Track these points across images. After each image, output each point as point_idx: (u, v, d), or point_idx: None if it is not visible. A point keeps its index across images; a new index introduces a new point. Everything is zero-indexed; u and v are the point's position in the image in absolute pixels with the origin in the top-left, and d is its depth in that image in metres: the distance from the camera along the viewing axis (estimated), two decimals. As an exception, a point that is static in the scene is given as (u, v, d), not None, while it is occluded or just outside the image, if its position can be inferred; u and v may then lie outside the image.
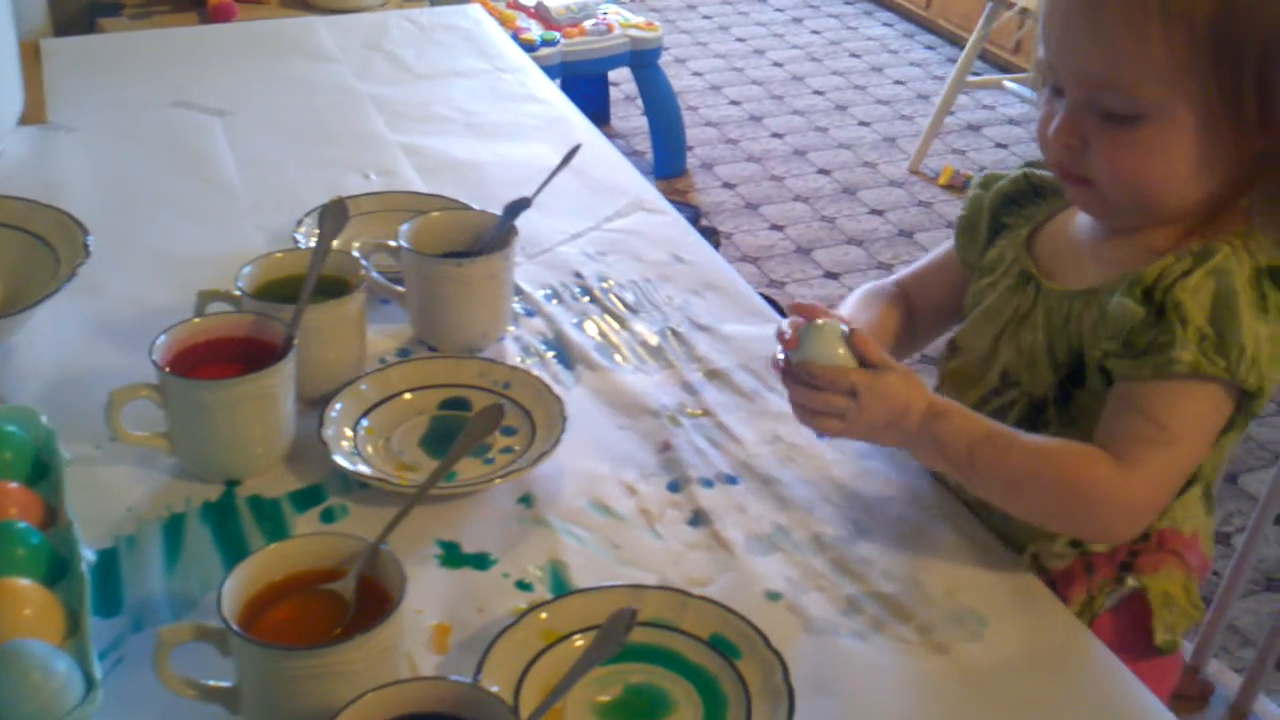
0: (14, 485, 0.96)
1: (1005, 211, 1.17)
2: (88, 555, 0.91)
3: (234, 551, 1.01)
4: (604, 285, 1.39)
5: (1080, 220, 1.10)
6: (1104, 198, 1.02)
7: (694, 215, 3.38)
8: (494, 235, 1.26)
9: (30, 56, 1.84)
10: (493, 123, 1.76)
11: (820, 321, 1.01)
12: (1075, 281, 1.07)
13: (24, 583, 0.86)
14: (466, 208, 1.40)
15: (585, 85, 3.76)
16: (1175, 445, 0.97)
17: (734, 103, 4.31)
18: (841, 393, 0.99)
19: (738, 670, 0.89)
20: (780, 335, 1.04)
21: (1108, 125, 0.98)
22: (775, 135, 4.07)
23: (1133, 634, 1.07)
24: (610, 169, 1.64)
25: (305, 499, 1.07)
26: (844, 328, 1.01)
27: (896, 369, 1.00)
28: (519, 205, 1.28)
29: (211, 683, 0.84)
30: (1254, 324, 0.95)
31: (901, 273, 1.28)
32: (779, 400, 1.21)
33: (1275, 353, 0.96)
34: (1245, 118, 0.96)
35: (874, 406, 0.99)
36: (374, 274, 1.25)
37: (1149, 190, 1.00)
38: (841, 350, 1.00)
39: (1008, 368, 1.09)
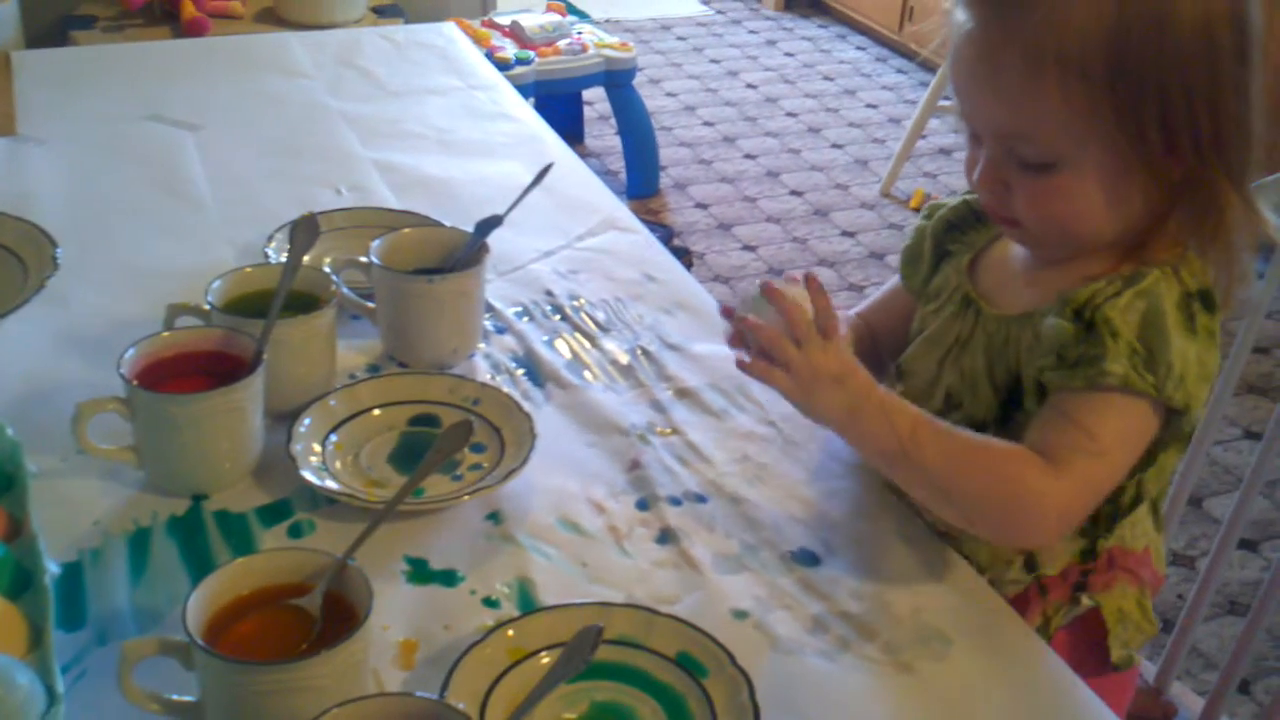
0: (-22, 498, 0.96)
1: (948, 238, 1.18)
2: (51, 568, 0.90)
3: (200, 566, 1.00)
4: (575, 303, 1.39)
5: (1017, 247, 1.12)
6: (1033, 235, 1.05)
7: (667, 235, 3.39)
8: (465, 253, 1.27)
9: (1, 68, 1.83)
10: (465, 140, 1.77)
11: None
12: (1013, 306, 1.08)
13: (-13, 596, 0.86)
14: (438, 224, 1.40)
15: (559, 104, 3.77)
16: (1103, 457, 0.99)
17: (707, 124, 4.32)
18: (809, 326, 1.00)
19: (704, 689, 0.89)
20: (727, 310, 1.06)
21: (1025, 172, 1.01)
22: (748, 156, 4.09)
23: (1088, 651, 1.09)
24: (582, 188, 1.65)
25: (272, 514, 1.06)
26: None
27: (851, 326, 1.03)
28: (490, 223, 1.28)
29: (175, 697, 0.84)
30: (1182, 343, 0.97)
31: (860, 305, 1.30)
32: (748, 420, 1.21)
33: (1202, 372, 0.98)
34: (1154, 154, 0.98)
35: (831, 351, 0.99)
36: (344, 290, 1.25)
37: (1072, 228, 1.02)
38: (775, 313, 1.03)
39: (950, 390, 1.11)
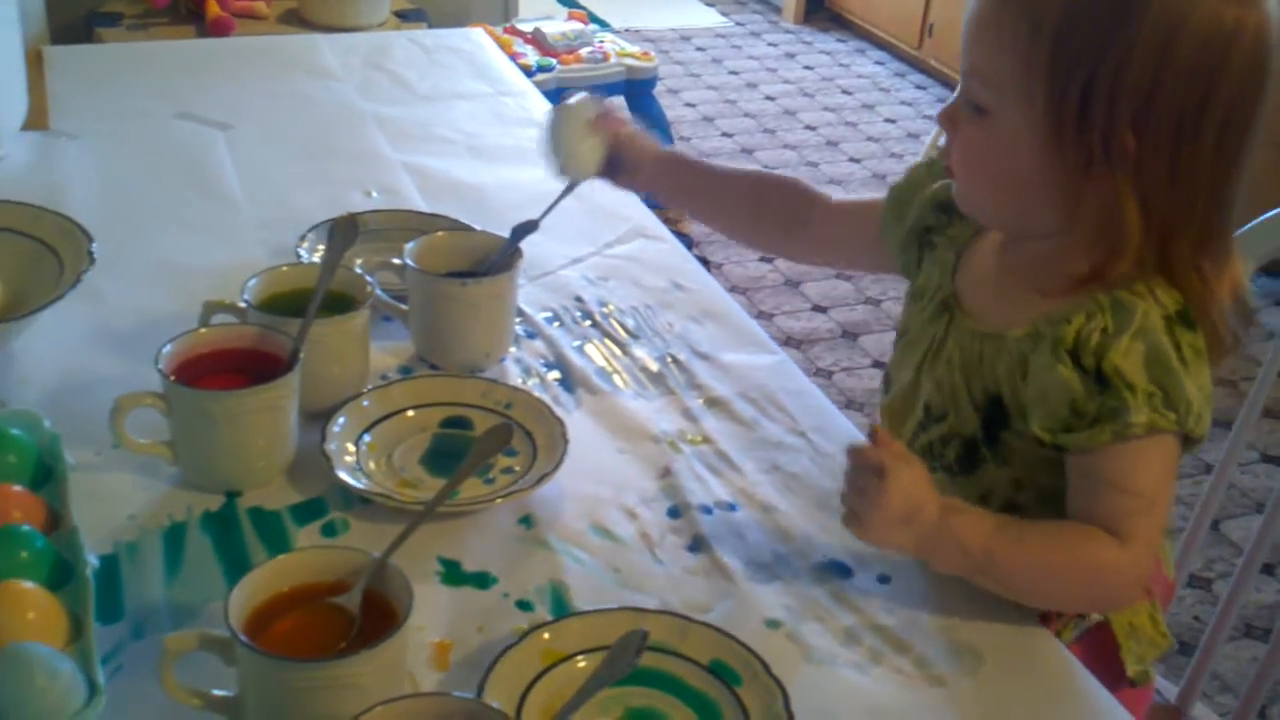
0: (17, 489, 0.96)
1: (934, 219, 1.17)
2: (91, 560, 0.91)
3: (234, 562, 1.01)
4: (604, 310, 1.40)
5: (991, 248, 1.12)
6: (960, 191, 1.07)
7: (686, 244, 3.38)
8: (500, 256, 1.27)
9: (31, 63, 1.84)
10: (494, 145, 1.77)
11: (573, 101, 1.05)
12: (985, 316, 1.09)
13: (28, 586, 0.86)
14: (470, 229, 1.40)
15: (579, 112, 3.77)
16: (1155, 507, 1.00)
17: (726, 134, 4.33)
18: (871, 469, 0.97)
19: (738, 697, 0.89)
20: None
21: (968, 114, 1.03)
22: (766, 168, 4.09)
23: (1101, 666, 1.08)
24: (611, 195, 1.63)
25: (306, 512, 1.07)
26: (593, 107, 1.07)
27: (922, 464, 0.99)
28: (526, 228, 1.29)
29: (215, 692, 0.84)
30: (1186, 376, 0.97)
31: (835, 195, 1.31)
32: (778, 430, 1.22)
33: (1205, 395, 0.99)
34: (1066, 135, 0.97)
35: (895, 491, 0.96)
36: (378, 291, 1.25)
37: (979, 187, 1.05)
38: (586, 124, 1.10)
39: (929, 401, 1.11)
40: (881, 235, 1.22)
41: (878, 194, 1.25)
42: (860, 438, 1.21)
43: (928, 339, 1.12)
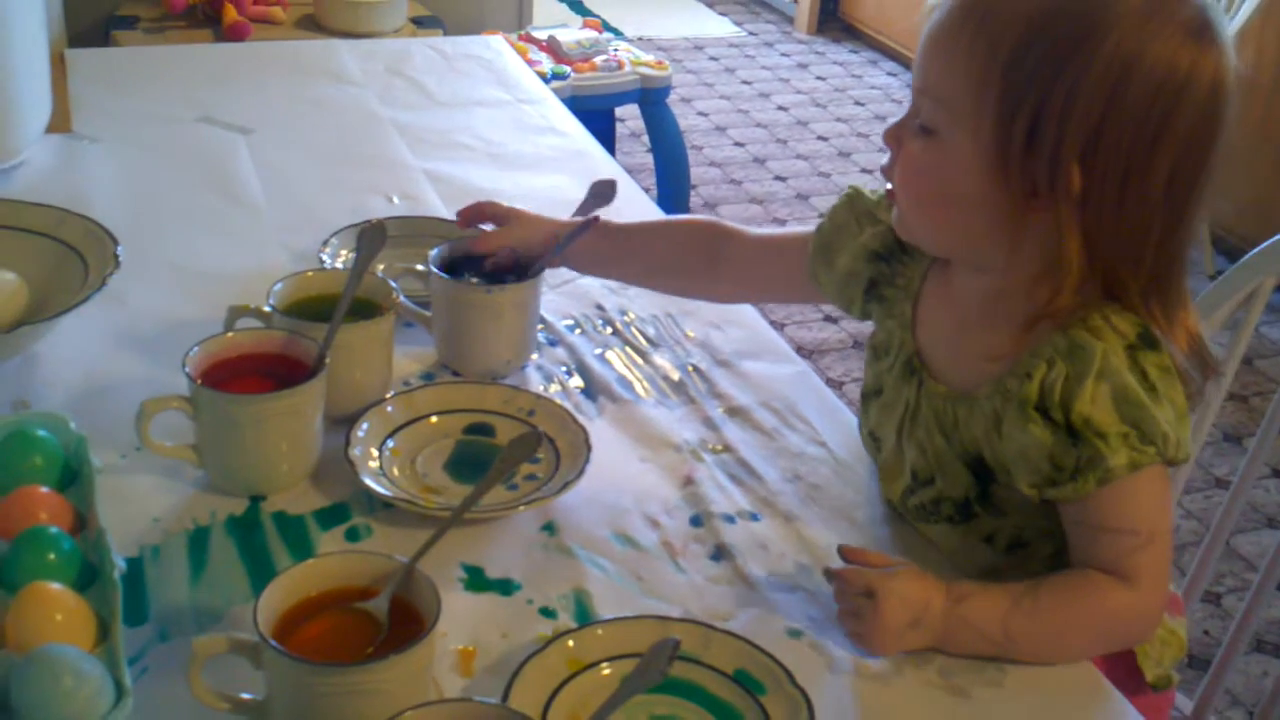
0: (44, 490, 0.97)
1: (875, 271, 1.15)
2: (119, 562, 0.91)
3: (258, 566, 1.01)
4: (625, 318, 1.40)
5: (943, 295, 1.10)
6: (899, 212, 1.05)
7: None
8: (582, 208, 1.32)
9: (53, 66, 1.84)
10: (514, 153, 1.78)
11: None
12: (951, 373, 1.07)
13: (56, 587, 0.87)
14: (491, 235, 1.40)
15: (592, 120, 3.76)
16: (1156, 538, 0.99)
17: (738, 144, 4.34)
18: (858, 592, 0.98)
19: (762, 706, 0.89)
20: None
21: (914, 135, 1.01)
22: (778, 178, 4.10)
23: (1121, 673, 1.08)
24: (631, 204, 1.65)
25: (330, 517, 1.07)
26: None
27: (908, 565, 0.99)
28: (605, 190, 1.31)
29: (242, 696, 0.84)
30: (1157, 408, 0.96)
31: (752, 229, 1.29)
32: (799, 440, 1.22)
33: (1180, 415, 0.98)
34: (1011, 169, 0.96)
35: (891, 606, 0.96)
36: (401, 298, 1.25)
37: (920, 209, 1.03)
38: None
39: (915, 467, 1.09)
40: (811, 278, 1.21)
41: (802, 227, 1.24)
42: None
43: (901, 402, 1.10)
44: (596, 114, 3.77)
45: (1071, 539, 1.02)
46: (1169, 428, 0.96)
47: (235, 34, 3.01)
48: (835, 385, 2.98)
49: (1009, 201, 0.97)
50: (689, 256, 1.30)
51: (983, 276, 1.05)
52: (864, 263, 1.15)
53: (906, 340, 1.11)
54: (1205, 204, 0.99)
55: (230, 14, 3.04)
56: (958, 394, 1.05)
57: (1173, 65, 0.93)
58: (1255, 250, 1.37)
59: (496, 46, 2.17)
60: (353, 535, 1.05)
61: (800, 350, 3.11)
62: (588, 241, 1.29)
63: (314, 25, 3.16)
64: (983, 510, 1.05)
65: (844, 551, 1.02)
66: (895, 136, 1.03)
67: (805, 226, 1.23)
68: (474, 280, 1.26)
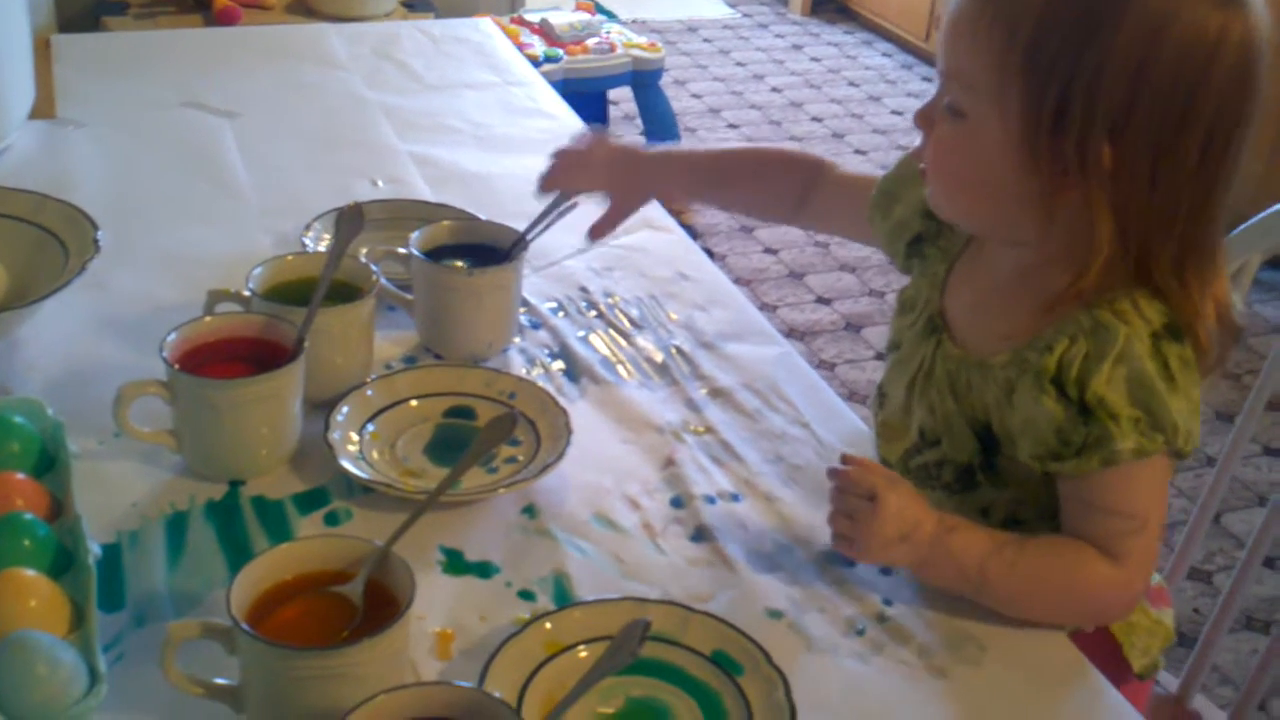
0: (20, 476, 0.96)
1: (924, 226, 1.15)
2: (94, 549, 0.91)
3: (237, 551, 1.01)
4: (609, 300, 1.40)
5: (977, 264, 1.10)
6: (933, 193, 1.06)
7: (689, 236, 3.39)
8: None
9: (38, 51, 1.84)
10: (501, 136, 1.77)
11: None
12: (970, 339, 1.07)
13: (30, 574, 0.86)
14: (475, 218, 1.40)
15: (585, 103, 3.77)
16: (1148, 526, 0.99)
17: (732, 126, 4.33)
18: (861, 494, 0.98)
19: (740, 687, 0.89)
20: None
21: (945, 116, 1.00)
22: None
23: (1102, 660, 1.08)
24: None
25: (309, 501, 1.07)
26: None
27: (903, 482, 1.00)
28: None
29: (217, 680, 0.84)
30: (1172, 396, 0.96)
31: (843, 166, 1.31)
32: (781, 421, 1.22)
33: (1193, 409, 0.97)
34: (1041, 150, 0.95)
35: (888, 515, 0.97)
36: (383, 281, 1.25)
37: (952, 190, 1.03)
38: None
39: (923, 426, 1.09)
40: (869, 222, 1.22)
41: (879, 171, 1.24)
42: (861, 426, 1.22)
43: (916, 360, 1.10)
44: (589, 96, 3.77)
45: (1065, 512, 1.02)
46: (1180, 419, 0.96)
47: (225, 19, 2.99)
48: (827, 366, 2.98)
49: (1040, 182, 0.96)
50: (784, 197, 1.32)
51: (1015, 251, 1.05)
52: (917, 216, 1.16)
53: (933, 299, 1.11)
54: (1237, 172, 0.98)
55: (220, -1, 3.03)
56: (973, 359, 1.05)
57: (1200, 31, 0.92)
58: (1241, 227, 1.36)
59: (485, 29, 2.16)
60: (332, 519, 1.05)
61: (792, 332, 3.11)
62: (693, 178, 1.35)
63: (305, 10, 3.15)
64: (985, 479, 1.06)
65: (847, 458, 1.01)
66: (926, 118, 1.02)
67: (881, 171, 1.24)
68: (456, 263, 1.25)
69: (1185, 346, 0.97)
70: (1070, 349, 0.97)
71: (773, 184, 1.33)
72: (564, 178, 1.33)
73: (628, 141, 1.37)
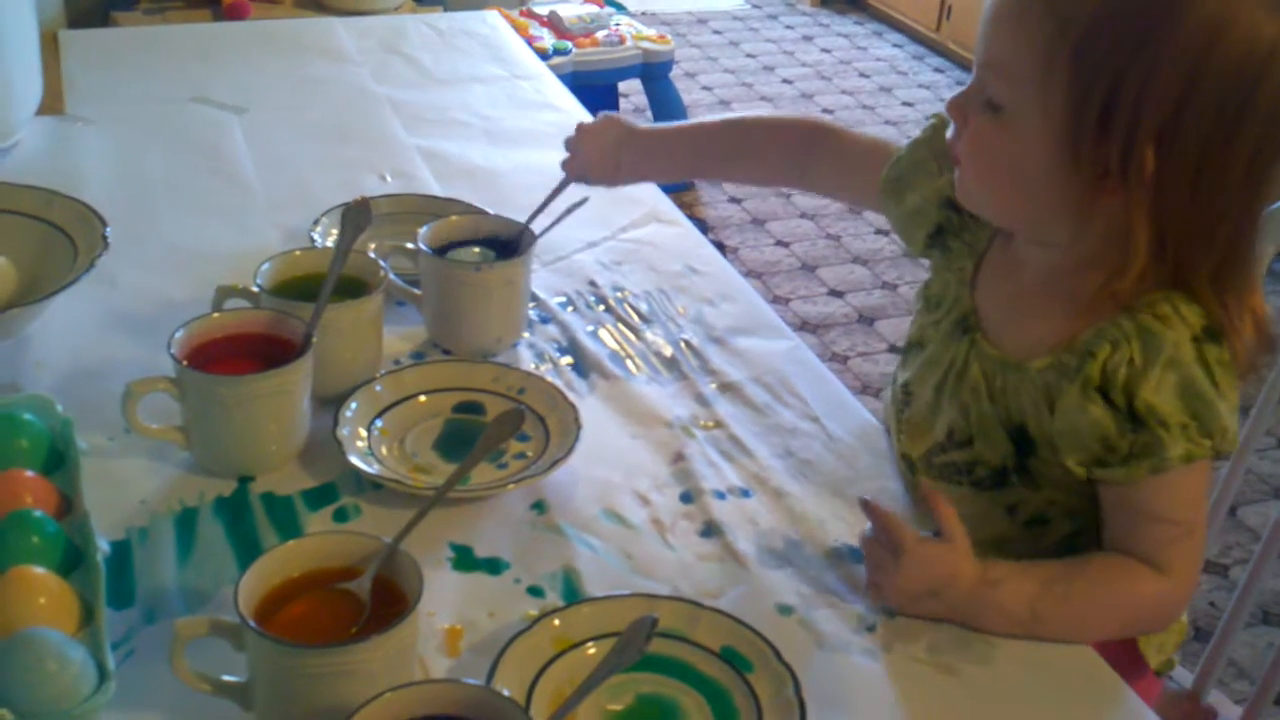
0: (29, 474, 0.96)
1: (945, 217, 1.13)
2: (103, 546, 0.91)
3: (246, 547, 1.01)
4: (619, 295, 1.39)
5: (1007, 260, 1.08)
6: (964, 184, 1.04)
7: (700, 229, 3.38)
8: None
9: (47, 47, 1.84)
10: (510, 129, 1.77)
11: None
12: (1005, 338, 1.05)
13: (39, 571, 0.86)
14: (484, 212, 1.40)
15: (595, 95, 3.76)
16: (1195, 530, 0.99)
17: (743, 118, 4.31)
18: (886, 547, 0.98)
19: (749, 683, 0.89)
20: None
21: (982, 110, 0.99)
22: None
23: (1118, 653, 1.08)
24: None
25: (318, 497, 1.07)
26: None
27: (951, 538, 0.97)
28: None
29: (225, 678, 0.84)
30: (1218, 400, 0.95)
31: (844, 131, 1.30)
32: (792, 415, 1.21)
33: (1233, 410, 0.97)
34: (1083, 142, 0.93)
35: (912, 572, 0.96)
36: (392, 276, 1.25)
37: (993, 186, 1.01)
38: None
39: (954, 426, 1.07)
40: (880, 205, 1.20)
41: (885, 141, 1.24)
42: (872, 420, 1.21)
43: (948, 359, 1.09)
44: (599, 89, 3.76)
45: (1110, 522, 1.01)
46: (1227, 421, 0.95)
47: (235, 13, 2.99)
48: (840, 360, 2.97)
49: (1079, 183, 0.95)
50: (780, 165, 1.33)
51: (1046, 251, 1.03)
52: (936, 207, 1.14)
53: (964, 296, 1.09)
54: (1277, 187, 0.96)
55: (230, -8, 3.03)
56: (1010, 361, 1.04)
57: (1254, 42, 0.89)
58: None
59: (493, 22, 2.16)
60: (341, 516, 1.05)
61: (805, 325, 3.10)
62: (674, 155, 1.36)
63: (314, 4, 3.15)
64: (1018, 480, 1.05)
65: (868, 505, 1.00)
66: (960, 109, 1.01)
67: (889, 141, 1.24)
68: (472, 249, 1.25)
69: (1224, 349, 0.96)
70: (1114, 355, 0.95)
71: (765, 155, 1.33)
72: (571, 161, 1.36)
73: (622, 121, 1.37)
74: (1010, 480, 1.05)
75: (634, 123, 1.36)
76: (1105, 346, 0.96)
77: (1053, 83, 0.93)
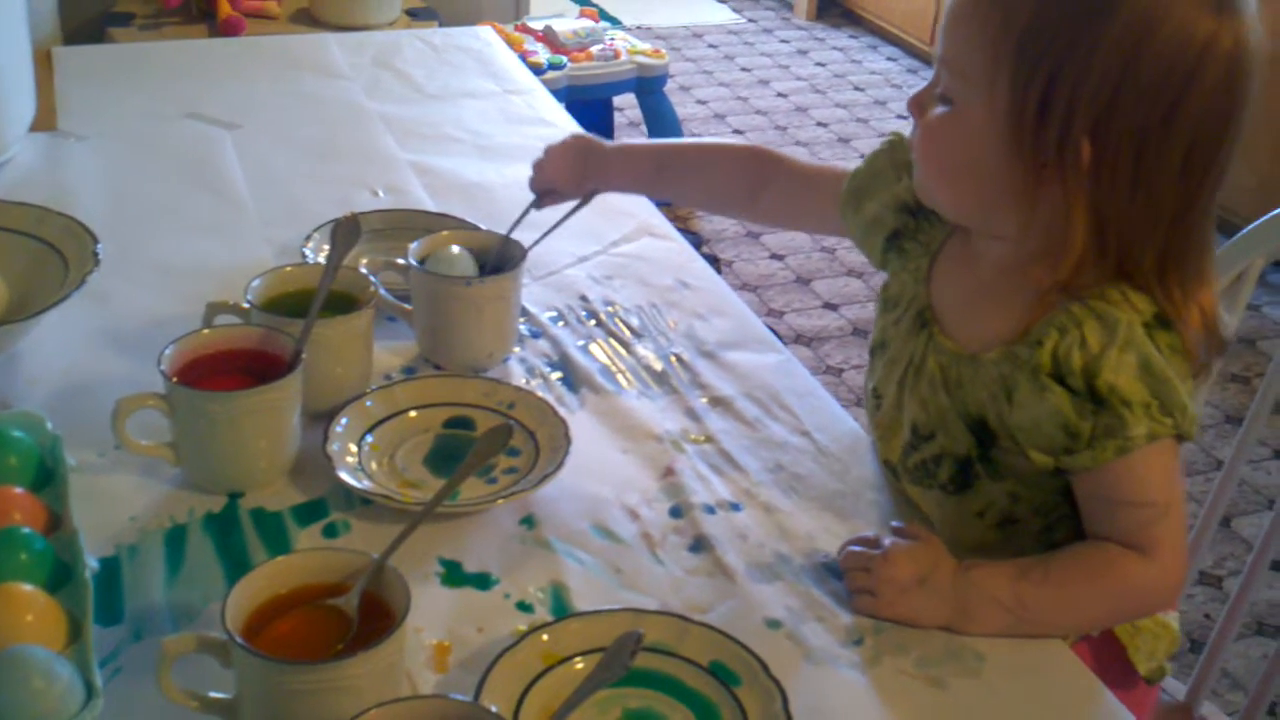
0: (18, 490, 0.96)
1: (900, 222, 1.15)
2: (91, 563, 0.91)
3: (235, 563, 1.01)
4: (610, 309, 1.39)
5: (963, 260, 1.10)
6: (920, 178, 1.07)
7: (695, 242, 3.38)
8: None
9: (41, 64, 1.84)
10: (502, 145, 1.77)
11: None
12: (961, 332, 1.07)
13: (27, 588, 0.86)
14: (475, 228, 1.40)
15: (590, 110, 3.77)
16: (1171, 509, 0.99)
17: (737, 131, 4.32)
18: (868, 548, 1.00)
19: (737, 698, 0.89)
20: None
21: (935, 103, 1.02)
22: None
23: (1111, 663, 1.08)
24: (618, 194, 1.64)
25: (308, 513, 1.07)
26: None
27: (929, 537, 1.02)
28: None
29: (213, 694, 0.84)
30: (1178, 379, 0.97)
31: (797, 159, 1.32)
32: (782, 429, 1.21)
33: (1190, 393, 0.98)
34: (1024, 142, 0.96)
35: (899, 559, 0.98)
36: (382, 291, 1.25)
37: (937, 177, 1.05)
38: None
39: (916, 421, 1.09)
40: (841, 217, 1.22)
41: (843, 164, 1.26)
42: (862, 433, 1.21)
43: (907, 356, 1.11)
44: (594, 104, 3.77)
45: (1087, 513, 1.02)
46: (1187, 401, 0.97)
47: (229, 29, 3.00)
48: (835, 372, 2.97)
49: (1022, 173, 0.97)
50: (733, 187, 1.33)
51: (999, 245, 1.05)
52: (892, 212, 1.16)
53: (920, 293, 1.11)
54: (1223, 181, 0.98)
55: (224, 9, 3.04)
56: (965, 354, 1.05)
57: (1188, 38, 0.92)
58: (1246, 229, 1.36)
59: (485, 37, 2.17)
60: (331, 531, 1.05)
61: (800, 338, 3.11)
62: (637, 168, 1.37)
63: (309, 19, 3.16)
64: (983, 470, 1.05)
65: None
66: (918, 104, 1.04)
67: (846, 164, 1.25)
68: (456, 273, 1.25)
69: (1174, 335, 0.98)
70: (1062, 340, 0.97)
71: (718, 176, 1.34)
72: (536, 176, 1.38)
73: (587, 136, 1.39)
74: (976, 472, 1.06)
75: (600, 139, 1.37)
76: (1053, 333, 0.98)
77: (998, 76, 0.96)
